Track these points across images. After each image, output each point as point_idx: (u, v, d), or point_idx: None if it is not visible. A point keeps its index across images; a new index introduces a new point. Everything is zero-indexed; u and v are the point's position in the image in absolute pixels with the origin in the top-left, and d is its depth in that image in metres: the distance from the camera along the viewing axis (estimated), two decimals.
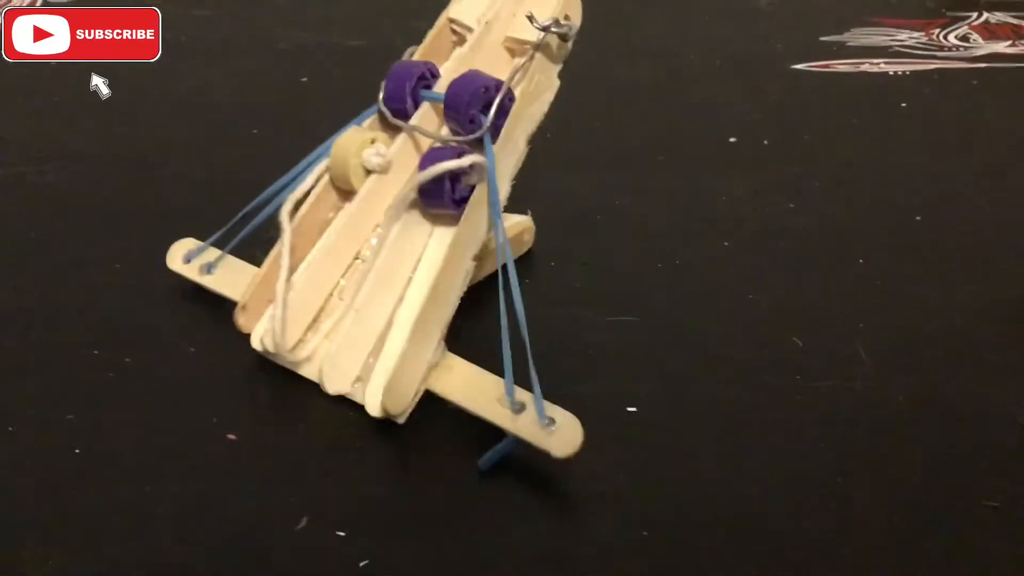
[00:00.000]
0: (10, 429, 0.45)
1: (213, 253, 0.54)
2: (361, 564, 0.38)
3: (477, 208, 0.46)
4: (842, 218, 0.63)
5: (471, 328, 0.48)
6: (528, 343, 0.42)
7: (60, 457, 0.43)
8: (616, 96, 0.83)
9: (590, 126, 0.76)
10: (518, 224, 0.57)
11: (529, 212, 0.58)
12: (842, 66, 0.89)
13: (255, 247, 0.52)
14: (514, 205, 0.58)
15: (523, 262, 0.58)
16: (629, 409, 0.46)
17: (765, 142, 0.74)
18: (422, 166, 0.46)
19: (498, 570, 0.38)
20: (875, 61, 0.91)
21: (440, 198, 0.46)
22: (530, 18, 0.47)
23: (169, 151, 0.71)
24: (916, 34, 0.98)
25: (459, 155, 0.46)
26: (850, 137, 0.76)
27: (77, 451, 0.43)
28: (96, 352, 0.50)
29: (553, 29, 0.47)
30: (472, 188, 0.46)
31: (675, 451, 0.44)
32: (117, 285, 0.55)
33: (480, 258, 0.48)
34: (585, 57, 0.89)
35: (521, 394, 0.43)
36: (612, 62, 0.88)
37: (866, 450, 0.44)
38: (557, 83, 0.50)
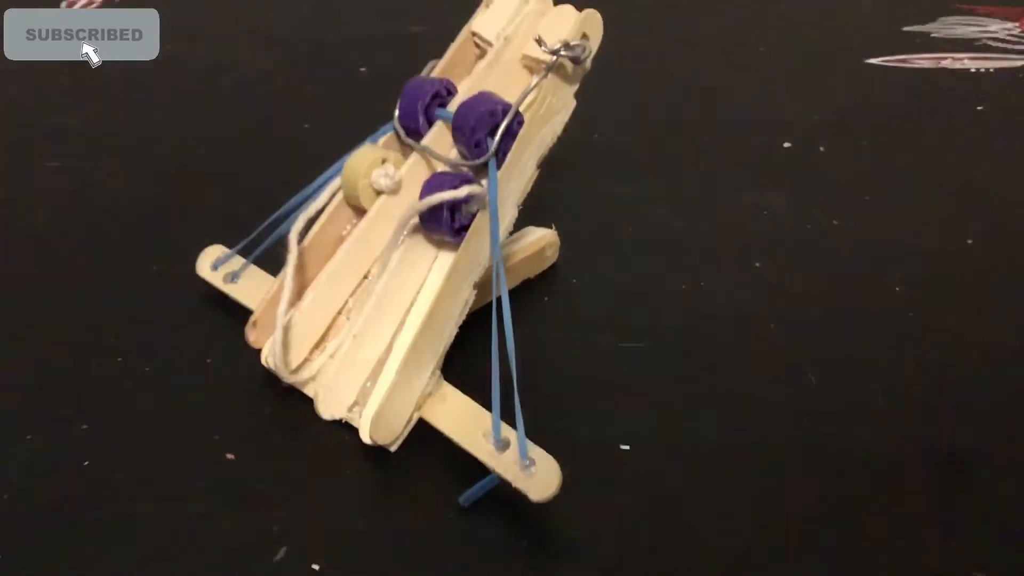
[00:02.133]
0: (28, 438, 0.47)
1: (238, 262, 0.55)
2: None
3: (477, 237, 0.45)
4: (885, 239, 0.60)
5: (473, 356, 0.48)
6: (516, 380, 0.41)
7: (72, 470, 0.45)
8: (672, 92, 0.80)
9: (639, 126, 0.75)
10: (541, 239, 0.57)
11: (553, 226, 0.58)
12: (921, 61, 0.85)
13: (277, 257, 0.53)
14: (544, 215, 0.58)
15: (545, 277, 0.57)
16: (622, 447, 0.45)
17: (821, 148, 0.71)
18: (422, 193, 0.46)
19: None
20: (959, 56, 0.86)
21: (440, 226, 0.46)
22: (539, 41, 0.46)
23: (218, 148, 0.73)
24: (1009, 25, 0.92)
25: (461, 181, 0.45)
26: (915, 144, 0.72)
27: (86, 463, 0.45)
28: (120, 359, 0.52)
29: (563, 53, 0.46)
30: (473, 215, 0.46)
31: (663, 497, 0.43)
32: (152, 288, 0.57)
33: (484, 283, 0.48)
34: (648, 47, 0.88)
35: (507, 431, 0.42)
36: (675, 53, 0.86)
37: (874, 511, 0.42)
38: (572, 103, 0.49)
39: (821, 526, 0.41)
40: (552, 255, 0.58)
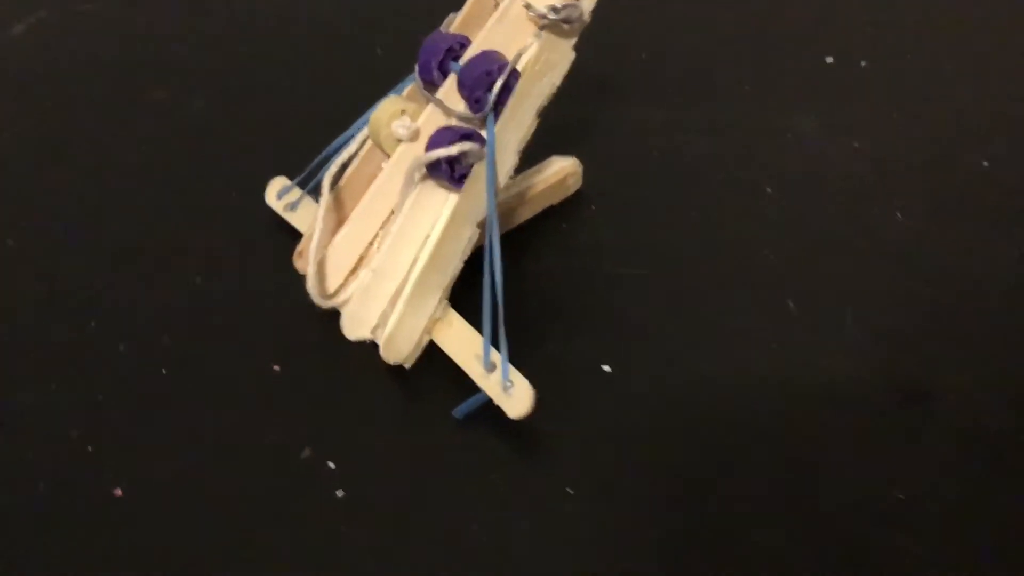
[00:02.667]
0: (120, 348, 0.57)
1: (297, 193, 0.63)
2: (339, 494, 0.47)
3: (475, 185, 0.52)
4: (901, 160, 0.62)
5: (478, 286, 0.53)
6: (502, 310, 0.48)
7: (154, 377, 0.55)
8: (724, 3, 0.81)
9: (682, 45, 0.76)
10: (561, 170, 0.62)
11: (575, 158, 0.63)
12: None
13: None
14: (575, 140, 0.62)
15: (568, 203, 0.63)
16: (604, 368, 0.52)
17: (863, 63, 0.72)
18: (427, 147, 0.52)
19: (440, 510, 0.47)
20: None
21: (441, 176, 0.52)
22: (527, 6, 0.51)
23: (293, 77, 0.78)
24: None
25: (459, 137, 0.51)
26: (958, 56, 0.72)
27: (164, 371, 0.55)
28: (199, 279, 0.61)
29: (551, 16, 0.50)
30: (472, 166, 0.52)
31: (640, 417, 0.50)
32: (230, 215, 0.65)
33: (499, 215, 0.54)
34: None
35: (496, 355, 0.49)
36: None
37: (832, 444, 0.48)
38: (571, 56, 0.53)
39: (783, 452, 0.47)
40: (574, 184, 0.63)
